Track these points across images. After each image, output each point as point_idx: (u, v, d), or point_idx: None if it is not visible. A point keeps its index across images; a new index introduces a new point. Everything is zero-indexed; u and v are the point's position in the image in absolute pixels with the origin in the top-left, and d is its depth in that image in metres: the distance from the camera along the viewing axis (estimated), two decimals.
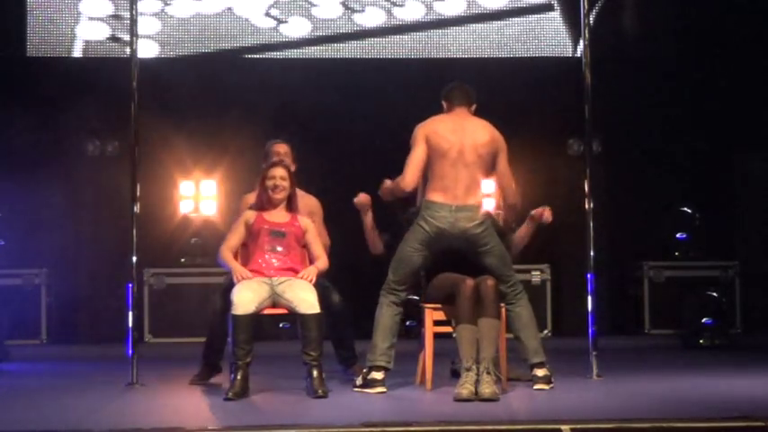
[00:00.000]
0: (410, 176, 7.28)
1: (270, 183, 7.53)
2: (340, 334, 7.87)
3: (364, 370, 7.31)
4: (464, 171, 7.19)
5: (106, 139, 11.15)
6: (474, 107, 7.44)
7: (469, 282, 7.16)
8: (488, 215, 7.37)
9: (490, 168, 7.34)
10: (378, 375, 7.21)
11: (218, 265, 7.61)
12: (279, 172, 7.55)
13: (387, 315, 7.30)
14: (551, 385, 7.26)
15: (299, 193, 7.77)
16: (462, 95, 7.41)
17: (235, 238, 7.53)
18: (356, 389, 7.26)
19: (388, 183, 7.40)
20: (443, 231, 7.17)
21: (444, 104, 7.45)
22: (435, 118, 7.38)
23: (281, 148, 8.01)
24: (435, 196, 7.20)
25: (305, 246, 7.54)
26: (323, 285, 7.56)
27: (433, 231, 7.18)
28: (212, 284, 10.68)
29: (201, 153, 11.25)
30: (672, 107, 11.52)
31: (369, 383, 7.20)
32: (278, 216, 7.53)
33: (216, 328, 7.61)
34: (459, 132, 7.24)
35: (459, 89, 7.44)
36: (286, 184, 7.54)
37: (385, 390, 7.17)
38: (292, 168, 7.74)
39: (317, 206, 8.08)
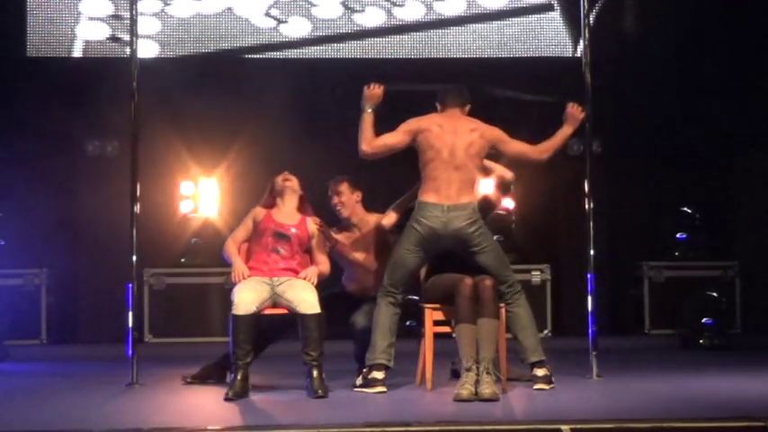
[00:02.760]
0: (372, 144, 7.27)
1: (281, 182, 7.58)
2: (358, 351, 7.82)
3: (364, 370, 7.32)
4: (455, 172, 7.22)
5: (106, 139, 11.14)
6: (467, 107, 7.47)
7: (468, 281, 7.15)
8: (487, 200, 7.47)
9: (484, 167, 7.39)
10: (378, 375, 7.20)
11: (222, 258, 7.61)
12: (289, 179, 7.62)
13: (385, 314, 7.31)
14: (551, 385, 7.26)
15: (366, 215, 7.76)
16: (454, 97, 7.46)
17: (242, 231, 7.57)
18: (356, 389, 7.26)
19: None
20: (436, 231, 7.19)
21: (438, 106, 7.49)
22: (428, 117, 7.42)
23: (342, 189, 7.78)
24: (428, 197, 7.23)
25: (309, 250, 7.55)
26: (356, 300, 7.66)
27: (426, 232, 7.20)
28: (212, 285, 10.74)
29: (201, 153, 11.24)
30: (672, 107, 11.51)
31: (369, 383, 7.20)
32: (287, 216, 7.54)
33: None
34: (450, 134, 7.29)
35: (452, 91, 7.49)
36: (294, 184, 7.58)
37: (385, 389, 7.17)
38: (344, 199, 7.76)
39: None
